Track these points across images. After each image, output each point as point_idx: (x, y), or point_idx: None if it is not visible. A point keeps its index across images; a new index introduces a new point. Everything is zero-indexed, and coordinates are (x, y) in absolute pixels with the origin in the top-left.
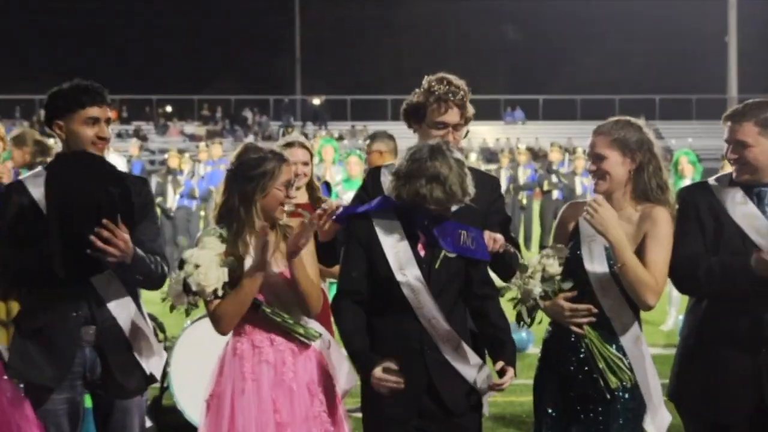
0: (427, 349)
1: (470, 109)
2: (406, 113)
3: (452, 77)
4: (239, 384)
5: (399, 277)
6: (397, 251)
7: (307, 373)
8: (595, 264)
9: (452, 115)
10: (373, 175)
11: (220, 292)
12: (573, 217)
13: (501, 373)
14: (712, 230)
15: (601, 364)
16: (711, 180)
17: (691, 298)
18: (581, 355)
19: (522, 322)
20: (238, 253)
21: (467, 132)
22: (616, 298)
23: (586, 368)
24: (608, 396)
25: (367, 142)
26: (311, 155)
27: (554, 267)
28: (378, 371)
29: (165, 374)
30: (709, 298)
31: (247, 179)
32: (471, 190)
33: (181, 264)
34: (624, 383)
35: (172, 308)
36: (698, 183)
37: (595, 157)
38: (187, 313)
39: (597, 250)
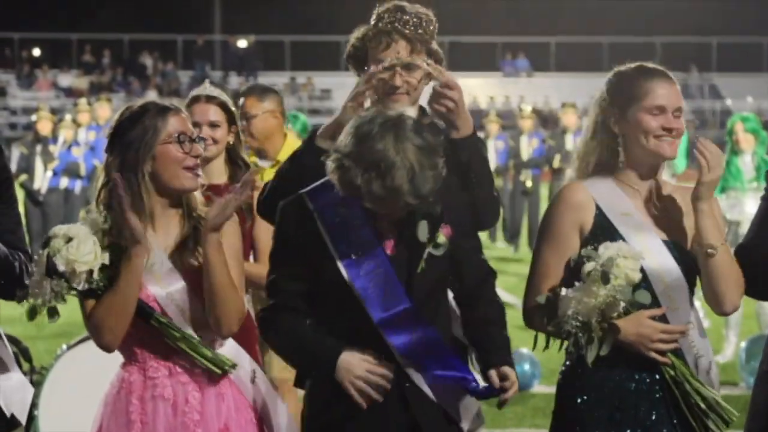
0: (405, 382)
1: (432, 45)
2: (348, 58)
3: (408, 5)
4: (122, 429)
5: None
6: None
7: (220, 418)
8: (658, 263)
9: (398, 51)
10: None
11: (96, 275)
12: (587, 203)
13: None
14: None
15: (704, 405)
16: None
17: None
18: (658, 396)
19: (595, 354)
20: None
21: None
22: (687, 309)
23: (673, 417)
24: None
25: (244, 99)
26: (229, 115)
27: (637, 272)
28: (361, 364)
29: (31, 419)
30: None
31: (125, 147)
32: (426, 190)
33: (47, 242)
34: (729, 425)
35: (33, 313)
36: None
37: (679, 112)
38: (50, 314)
39: (653, 243)
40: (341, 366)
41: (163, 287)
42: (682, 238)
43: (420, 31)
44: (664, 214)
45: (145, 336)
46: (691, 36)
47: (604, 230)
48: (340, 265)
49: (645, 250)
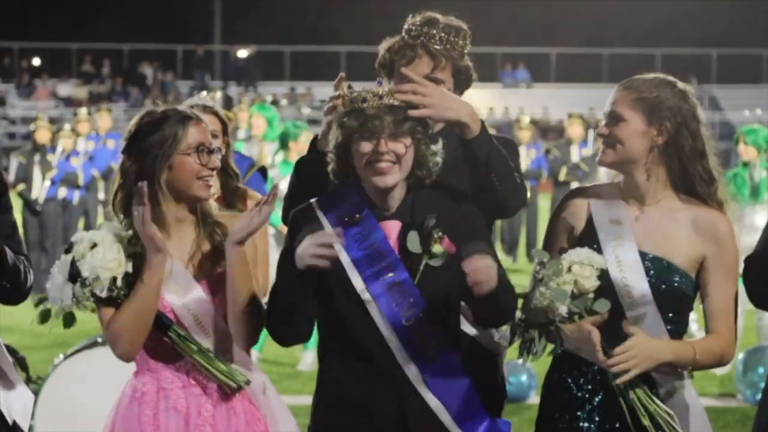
0: (408, 396)
1: (462, 61)
2: (379, 67)
3: (442, 17)
4: None
5: (365, 295)
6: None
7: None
8: (628, 276)
9: (419, 66)
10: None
11: (119, 283)
12: (582, 207)
13: None
14: None
15: (646, 421)
16: None
17: None
18: (600, 404)
19: (527, 354)
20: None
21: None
22: (655, 327)
23: (617, 425)
24: None
25: None
26: (224, 125)
27: (591, 280)
28: (304, 243)
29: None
30: None
31: (143, 152)
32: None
33: (69, 248)
34: None
35: (44, 317)
36: None
37: (611, 118)
38: (68, 320)
39: (629, 256)
40: (296, 257)
41: (180, 296)
42: (669, 256)
43: (447, 46)
44: (659, 230)
45: (160, 346)
46: (690, 48)
47: (588, 236)
48: (352, 270)
49: (617, 262)
